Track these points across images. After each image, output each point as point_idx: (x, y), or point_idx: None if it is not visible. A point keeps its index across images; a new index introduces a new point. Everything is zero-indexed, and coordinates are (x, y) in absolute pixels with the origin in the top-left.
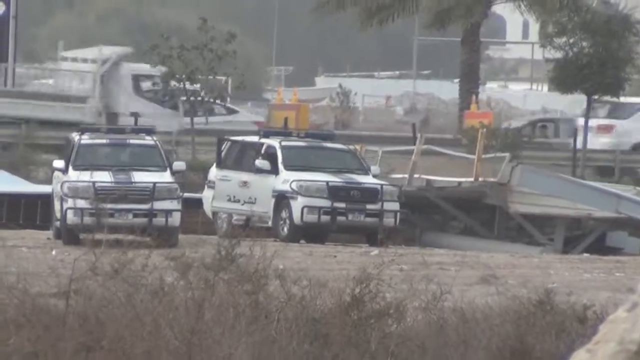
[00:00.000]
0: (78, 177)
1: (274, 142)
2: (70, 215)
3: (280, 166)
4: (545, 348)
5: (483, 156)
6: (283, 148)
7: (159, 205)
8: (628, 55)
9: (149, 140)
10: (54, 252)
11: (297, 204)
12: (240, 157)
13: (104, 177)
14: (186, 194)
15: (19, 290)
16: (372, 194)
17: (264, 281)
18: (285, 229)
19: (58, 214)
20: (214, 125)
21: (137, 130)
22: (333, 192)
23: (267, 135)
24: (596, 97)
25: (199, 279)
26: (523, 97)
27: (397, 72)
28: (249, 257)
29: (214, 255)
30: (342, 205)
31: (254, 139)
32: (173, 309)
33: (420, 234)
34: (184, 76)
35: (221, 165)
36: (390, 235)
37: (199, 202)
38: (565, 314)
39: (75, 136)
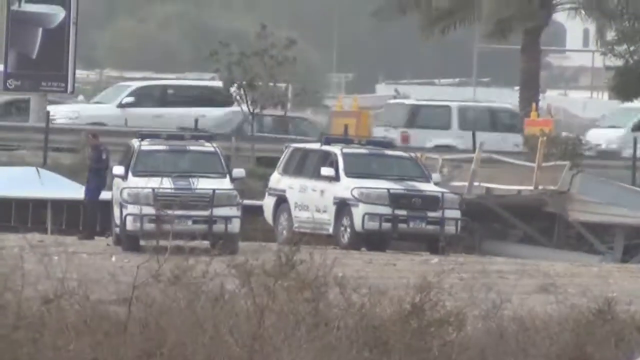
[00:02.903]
0: (138, 183)
1: (335, 149)
2: (129, 221)
3: (342, 173)
4: (605, 357)
5: (543, 164)
6: (344, 155)
7: (218, 212)
8: None
9: (208, 146)
10: (113, 259)
11: (359, 211)
12: (302, 164)
13: (164, 184)
14: (246, 201)
15: (80, 296)
16: (434, 202)
17: (324, 289)
18: (346, 236)
19: (118, 221)
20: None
21: (197, 137)
22: (394, 199)
23: (328, 142)
24: None
25: (259, 286)
26: (583, 105)
27: (457, 80)
28: (308, 265)
29: (274, 262)
30: (403, 212)
31: (316, 146)
32: (234, 316)
33: (480, 242)
34: (244, 83)
35: (282, 172)
36: (451, 243)
37: (258, 209)
38: (624, 323)
39: (135, 142)
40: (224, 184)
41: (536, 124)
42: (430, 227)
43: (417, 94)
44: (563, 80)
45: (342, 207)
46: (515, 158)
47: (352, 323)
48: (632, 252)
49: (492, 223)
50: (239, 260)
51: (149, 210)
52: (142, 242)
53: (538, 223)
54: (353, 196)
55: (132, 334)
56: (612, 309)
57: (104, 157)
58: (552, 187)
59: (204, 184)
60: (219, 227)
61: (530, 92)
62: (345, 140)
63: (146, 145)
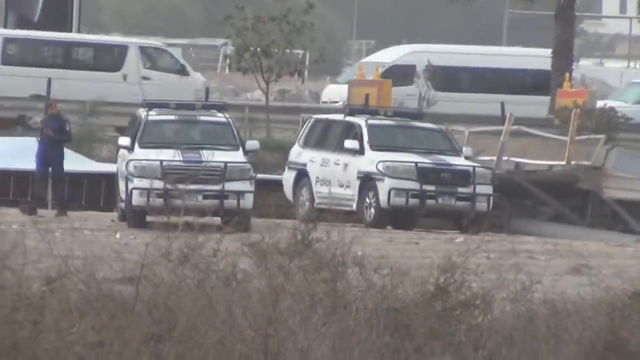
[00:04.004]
0: (145, 155)
1: (360, 120)
2: (136, 196)
3: (366, 146)
4: None
5: (576, 138)
6: (369, 127)
7: (230, 186)
8: None
9: (220, 117)
10: (118, 235)
11: (384, 186)
12: (324, 136)
13: (172, 156)
14: (260, 175)
15: (84, 275)
16: (464, 177)
17: (342, 268)
18: (371, 213)
19: (123, 195)
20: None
21: (208, 107)
22: (422, 173)
23: (352, 113)
24: None
25: (274, 266)
26: (619, 75)
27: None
28: (326, 243)
29: (290, 241)
30: (431, 187)
31: (339, 117)
32: (247, 297)
33: (509, 220)
34: (258, 49)
35: (303, 144)
36: (482, 220)
37: (273, 184)
38: None
39: (142, 112)
40: (236, 156)
41: (569, 95)
42: (460, 203)
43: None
44: (599, 49)
45: (367, 181)
46: (547, 131)
47: (372, 305)
48: None
49: (521, 200)
50: (252, 238)
51: (157, 184)
52: (148, 218)
53: (570, 200)
54: (378, 170)
55: (139, 316)
56: None
57: (67, 128)
58: (585, 162)
59: (216, 157)
60: (231, 203)
61: (563, 61)
62: (371, 111)
63: (154, 115)
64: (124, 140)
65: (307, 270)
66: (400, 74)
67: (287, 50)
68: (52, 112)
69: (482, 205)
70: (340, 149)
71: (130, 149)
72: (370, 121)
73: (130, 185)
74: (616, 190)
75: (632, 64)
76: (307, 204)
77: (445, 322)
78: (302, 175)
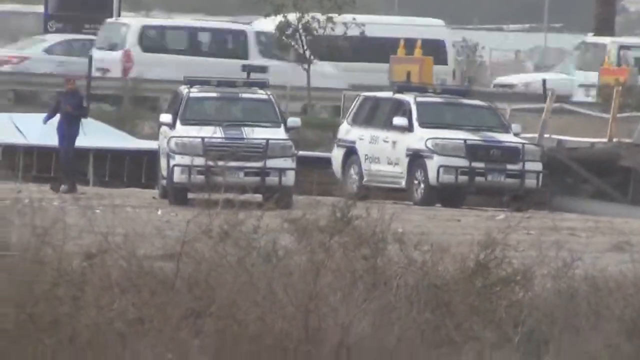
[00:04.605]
0: (186, 132)
1: (409, 97)
2: (177, 173)
3: (415, 123)
4: None
5: (618, 115)
6: (418, 104)
7: (272, 163)
8: None
9: (262, 94)
10: (159, 212)
11: (433, 164)
12: (373, 114)
13: (214, 133)
14: (301, 152)
15: (124, 252)
16: (513, 154)
17: (382, 245)
18: (420, 191)
19: (164, 172)
20: None
21: (250, 84)
22: (471, 150)
23: (401, 90)
24: None
25: (314, 242)
26: None
27: (527, 26)
28: (366, 220)
29: (330, 217)
30: (480, 165)
31: (388, 94)
32: (288, 274)
33: (550, 197)
34: (300, 27)
35: (352, 122)
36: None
37: (314, 161)
38: None
39: (183, 89)
40: (278, 133)
41: (611, 72)
42: (509, 180)
43: (484, 41)
44: None
45: (416, 159)
46: (589, 108)
47: (413, 282)
48: None
49: (563, 177)
50: (294, 214)
51: (198, 161)
52: (190, 195)
53: (612, 178)
54: (427, 147)
55: (179, 292)
56: None
57: (85, 104)
58: (627, 140)
59: (257, 134)
60: (272, 180)
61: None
62: (419, 88)
63: (195, 92)
64: (166, 117)
65: (347, 247)
66: None
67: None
68: (70, 87)
69: (531, 182)
70: (389, 126)
71: (172, 126)
72: (419, 98)
73: (172, 162)
74: None
75: None
76: (357, 181)
77: (486, 298)
78: (351, 152)
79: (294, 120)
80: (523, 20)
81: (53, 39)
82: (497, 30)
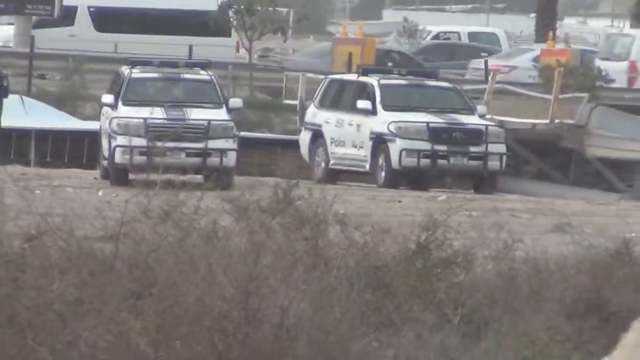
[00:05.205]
0: (128, 113)
1: (372, 80)
2: (118, 153)
3: (379, 106)
4: (623, 301)
5: (560, 96)
6: (382, 87)
7: (213, 144)
8: None
9: (204, 74)
10: (100, 193)
11: (395, 147)
12: (338, 97)
13: (155, 114)
14: (243, 133)
15: (64, 233)
16: (476, 135)
17: (323, 226)
18: (383, 174)
19: (106, 153)
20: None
21: (192, 64)
22: (434, 133)
23: (365, 73)
24: None
25: (255, 223)
26: (603, 34)
27: (470, 6)
28: (307, 201)
29: (271, 198)
30: (443, 147)
31: (353, 77)
32: (227, 255)
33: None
34: (242, 7)
35: (319, 105)
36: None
37: (256, 142)
38: None
39: (125, 70)
40: (220, 114)
41: (553, 54)
42: (472, 162)
43: (426, 22)
44: (582, 7)
45: (379, 142)
46: (531, 90)
47: (353, 263)
48: None
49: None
50: (233, 195)
51: (140, 141)
52: (131, 176)
53: (554, 159)
54: (390, 131)
55: (119, 273)
56: (631, 251)
57: (4, 83)
58: (569, 121)
59: (199, 115)
60: (213, 161)
61: (547, 20)
62: (384, 70)
63: (137, 73)
64: (108, 98)
65: (288, 227)
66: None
67: (271, 9)
68: None
69: (494, 164)
70: (354, 109)
71: (114, 106)
72: (383, 81)
73: (114, 143)
74: (599, 148)
75: (615, 23)
76: (323, 164)
77: (426, 280)
78: (317, 136)
79: (235, 101)
80: (466, 0)
81: None
82: (440, 11)
